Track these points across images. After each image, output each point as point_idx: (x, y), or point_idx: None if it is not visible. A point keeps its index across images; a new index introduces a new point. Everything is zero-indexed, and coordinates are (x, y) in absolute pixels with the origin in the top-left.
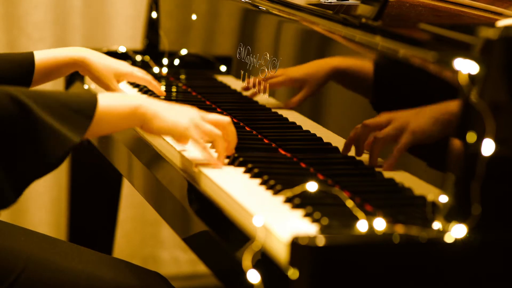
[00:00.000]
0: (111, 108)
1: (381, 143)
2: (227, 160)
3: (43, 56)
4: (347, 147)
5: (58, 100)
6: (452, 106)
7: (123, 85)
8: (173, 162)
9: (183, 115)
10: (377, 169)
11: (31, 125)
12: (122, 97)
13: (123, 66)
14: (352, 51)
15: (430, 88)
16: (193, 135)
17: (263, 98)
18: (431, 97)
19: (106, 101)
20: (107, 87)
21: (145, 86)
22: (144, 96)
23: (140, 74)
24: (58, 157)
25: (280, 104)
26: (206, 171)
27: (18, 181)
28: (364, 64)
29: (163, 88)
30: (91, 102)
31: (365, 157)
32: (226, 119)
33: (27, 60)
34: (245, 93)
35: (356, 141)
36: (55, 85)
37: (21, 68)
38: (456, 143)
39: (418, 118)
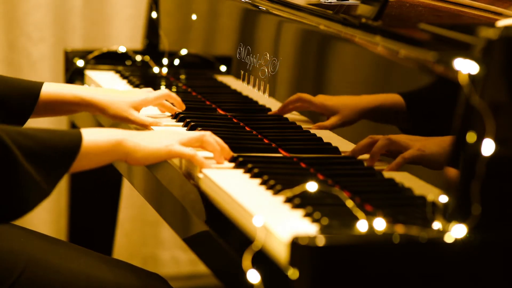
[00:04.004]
0: (94, 144)
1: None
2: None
3: (50, 89)
4: (356, 153)
5: (42, 142)
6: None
7: (123, 86)
8: (173, 162)
9: (162, 140)
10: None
11: (9, 170)
12: (104, 132)
13: (136, 96)
14: (352, 52)
15: (430, 88)
16: (176, 150)
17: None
18: (430, 97)
19: (89, 137)
20: (128, 121)
21: (141, 83)
22: (124, 131)
23: (153, 95)
24: (30, 206)
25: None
26: (206, 171)
27: None
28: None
29: (162, 88)
30: (76, 141)
31: (365, 158)
32: (204, 133)
33: (34, 89)
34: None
35: (375, 152)
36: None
37: (25, 96)
38: (456, 143)
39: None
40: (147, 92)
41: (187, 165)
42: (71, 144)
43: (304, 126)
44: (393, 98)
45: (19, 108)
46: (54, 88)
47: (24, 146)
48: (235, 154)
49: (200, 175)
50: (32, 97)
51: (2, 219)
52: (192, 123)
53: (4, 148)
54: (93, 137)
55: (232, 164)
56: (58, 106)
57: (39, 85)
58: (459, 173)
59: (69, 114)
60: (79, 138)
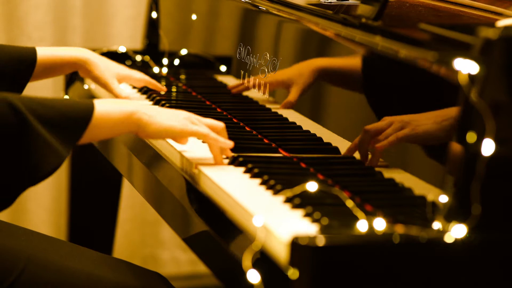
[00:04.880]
0: (107, 114)
1: (382, 145)
2: (227, 160)
3: (46, 53)
4: (350, 151)
5: (54, 109)
6: (453, 110)
7: (125, 87)
8: (173, 162)
9: (177, 117)
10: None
11: (25, 136)
12: (117, 103)
13: (122, 69)
14: (352, 51)
15: (430, 88)
16: (191, 129)
17: (255, 93)
18: (430, 97)
19: (102, 107)
20: (107, 87)
21: (145, 87)
22: (140, 102)
23: (138, 76)
24: (48, 170)
25: (277, 104)
26: (206, 171)
27: (6, 190)
28: (356, 63)
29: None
30: (88, 109)
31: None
32: (220, 124)
33: (29, 54)
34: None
35: (359, 147)
36: (55, 85)
37: (22, 62)
38: (456, 143)
39: (420, 120)
40: (130, 70)
41: (188, 165)
42: (83, 113)
43: (304, 126)
44: None
45: (17, 75)
46: (48, 51)
47: (37, 111)
48: (235, 154)
49: (199, 174)
50: (29, 62)
51: (21, 184)
52: None
53: (18, 113)
54: (106, 107)
55: (232, 164)
56: (53, 69)
57: (33, 50)
58: (459, 173)
59: (60, 75)
60: (91, 107)
